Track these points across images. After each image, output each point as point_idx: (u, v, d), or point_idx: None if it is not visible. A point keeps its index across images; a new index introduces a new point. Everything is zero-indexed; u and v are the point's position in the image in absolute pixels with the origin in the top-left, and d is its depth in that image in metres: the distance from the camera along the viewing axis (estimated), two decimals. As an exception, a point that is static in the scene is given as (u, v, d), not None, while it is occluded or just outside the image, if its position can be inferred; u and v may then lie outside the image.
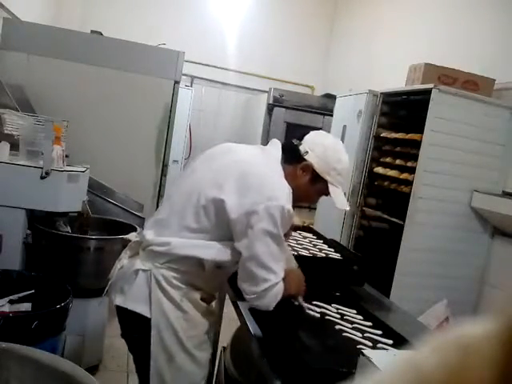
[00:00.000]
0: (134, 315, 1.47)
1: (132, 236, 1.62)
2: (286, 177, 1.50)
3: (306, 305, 1.58)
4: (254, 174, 1.45)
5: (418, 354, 0.32)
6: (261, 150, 1.59)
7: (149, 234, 1.52)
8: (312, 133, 1.60)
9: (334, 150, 1.56)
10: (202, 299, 1.55)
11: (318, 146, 1.54)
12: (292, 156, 1.55)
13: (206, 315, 1.57)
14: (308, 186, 1.55)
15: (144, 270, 1.48)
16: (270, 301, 1.43)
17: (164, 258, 1.47)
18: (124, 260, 1.57)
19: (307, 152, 1.53)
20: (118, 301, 1.52)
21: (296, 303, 1.56)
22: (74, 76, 3.47)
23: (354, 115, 3.65)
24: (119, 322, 1.57)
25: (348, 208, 1.61)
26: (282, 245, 1.43)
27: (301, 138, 1.57)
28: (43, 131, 2.38)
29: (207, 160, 1.58)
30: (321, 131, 1.66)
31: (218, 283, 1.65)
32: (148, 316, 1.46)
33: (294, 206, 1.48)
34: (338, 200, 1.56)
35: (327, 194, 1.56)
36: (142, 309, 1.47)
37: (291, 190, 1.46)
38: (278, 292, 1.43)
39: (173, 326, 1.46)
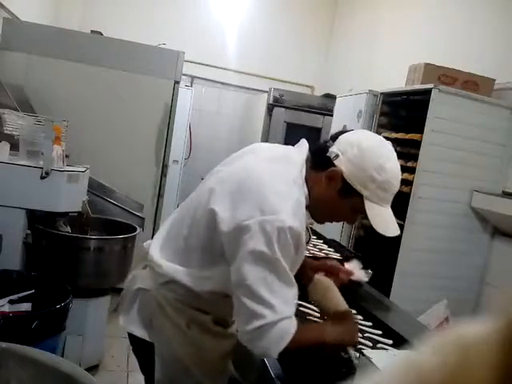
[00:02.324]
0: (138, 339, 1.33)
1: (147, 244, 1.42)
2: (311, 187, 1.21)
3: (356, 356, 1.24)
4: (252, 182, 1.17)
5: (418, 354, 0.32)
6: (283, 154, 1.29)
7: (152, 248, 1.35)
8: (351, 131, 1.27)
9: (374, 153, 1.17)
10: (215, 322, 1.32)
11: (352, 148, 1.17)
12: (320, 160, 1.22)
13: (220, 339, 1.33)
14: (336, 200, 1.21)
15: (145, 290, 1.32)
16: (268, 345, 1.09)
17: (163, 278, 1.28)
18: (135, 271, 1.42)
19: (337, 155, 1.19)
20: (122, 321, 1.37)
21: (345, 355, 1.24)
22: (74, 76, 3.47)
23: (354, 115, 3.65)
24: (129, 342, 1.43)
25: (397, 233, 1.22)
26: (281, 272, 1.10)
27: (335, 138, 1.24)
28: (43, 131, 2.38)
29: (222, 165, 1.36)
30: (364, 130, 1.30)
31: (227, 307, 1.30)
32: (150, 340, 1.30)
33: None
34: (379, 222, 1.18)
35: (363, 213, 1.19)
36: (143, 333, 1.31)
37: (303, 204, 1.18)
38: (280, 334, 1.09)
39: (177, 354, 1.28)
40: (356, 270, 1.75)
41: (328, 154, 1.20)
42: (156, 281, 1.30)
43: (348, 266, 1.76)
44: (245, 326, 1.11)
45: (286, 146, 1.36)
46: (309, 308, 1.58)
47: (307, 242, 1.34)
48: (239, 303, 1.13)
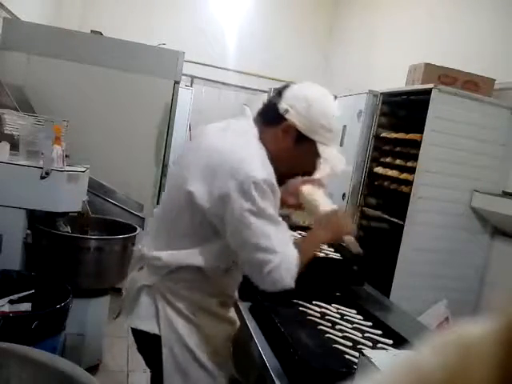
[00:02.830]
0: (144, 334, 1.37)
1: (138, 247, 1.49)
2: (267, 143, 1.32)
3: (354, 244, 1.44)
4: (217, 157, 1.27)
5: (418, 354, 0.32)
6: (227, 125, 1.40)
7: (145, 247, 1.42)
8: (293, 86, 1.37)
9: (319, 103, 1.32)
10: (220, 304, 1.42)
11: (299, 101, 1.31)
12: (271, 117, 1.34)
13: (224, 325, 1.43)
14: (293, 151, 1.34)
15: (148, 286, 1.37)
16: (283, 281, 1.25)
17: (164, 269, 1.35)
18: (133, 272, 1.47)
19: (287, 110, 1.31)
20: (127, 320, 1.42)
21: (345, 244, 1.48)
22: (74, 76, 3.47)
23: (354, 115, 3.65)
24: (134, 339, 1.46)
25: (349, 169, 1.40)
26: (270, 219, 1.24)
27: (280, 94, 1.35)
28: (43, 131, 2.38)
29: (183, 156, 1.45)
30: (305, 83, 1.40)
31: (233, 285, 1.47)
32: (158, 333, 1.34)
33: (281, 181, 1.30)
34: (333, 160, 1.36)
35: (319, 156, 1.35)
36: (150, 327, 1.35)
37: (265, 157, 1.29)
38: (288, 269, 1.25)
39: (185, 343, 1.34)
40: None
41: (280, 111, 1.32)
42: (158, 275, 1.35)
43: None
44: (258, 276, 1.26)
45: (230, 119, 1.46)
46: (308, 308, 1.58)
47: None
48: (247, 260, 1.28)
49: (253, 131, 1.35)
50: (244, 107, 1.46)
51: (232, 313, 1.52)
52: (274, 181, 1.26)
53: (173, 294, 1.34)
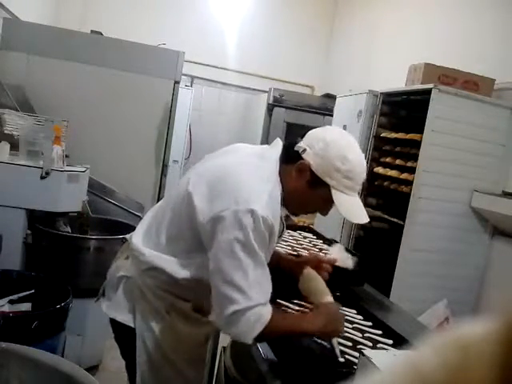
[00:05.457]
0: (120, 325, 1.38)
1: (130, 236, 1.49)
2: (284, 180, 1.29)
3: (338, 348, 1.29)
4: (228, 177, 1.25)
5: (418, 354, 0.32)
6: (258, 152, 1.38)
7: (134, 237, 1.41)
8: (318, 128, 1.35)
9: (338, 146, 1.25)
10: (194, 310, 1.37)
11: (318, 142, 1.26)
12: (290, 155, 1.30)
13: (199, 328, 1.39)
14: (306, 191, 1.29)
15: (128, 277, 1.38)
16: (243, 330, 1.15)
17: (145, 265, 1.34)
18: (118, 261, 1.48)
19: (305, 150, 1.27)
20: (104, 307, 1.43)
21: (327, 345, 1.30)
22: (74, 76, 3.47)
23: (354, 115, 3.65)
24: (111, 328, 1.48)
25: (366, 220, 1.29)
26: (257, 260, 1.16)
27: (304, 135, 1.35)
28: (43, 131, 2.38)
29: (202, 162, 1.45)
30: (329, 126, 1.39)
31: (206, 295, 1.32)
32: (132, 326, 1.35)
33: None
34: (346, 210, 1.26)
35: (333, 202, 1.27)
36: (125, 318, 1.36)
37: (278, 198, 1.25)
38: (254, 320, 1.15)
39: (157, 339, 1.33)
40: (339, 255, 1.79)
41: (296, 149, 1.29)
42: (138, 268, 1.36)
43: (332, 252, 1.83)
44: (220, 311, 1.17)
45: (262, 146, 1.44)
46: (308, 308, 1.58)
47: (281, 234, 1.40)
48: (216, 289, 1.19)
49: (276, 167, 1.30)
50: (277, 140, 1.41)
51: (209, 316, 1.43)
52: (276, 224, 1.21)
53: (149, 290, 1.34)
